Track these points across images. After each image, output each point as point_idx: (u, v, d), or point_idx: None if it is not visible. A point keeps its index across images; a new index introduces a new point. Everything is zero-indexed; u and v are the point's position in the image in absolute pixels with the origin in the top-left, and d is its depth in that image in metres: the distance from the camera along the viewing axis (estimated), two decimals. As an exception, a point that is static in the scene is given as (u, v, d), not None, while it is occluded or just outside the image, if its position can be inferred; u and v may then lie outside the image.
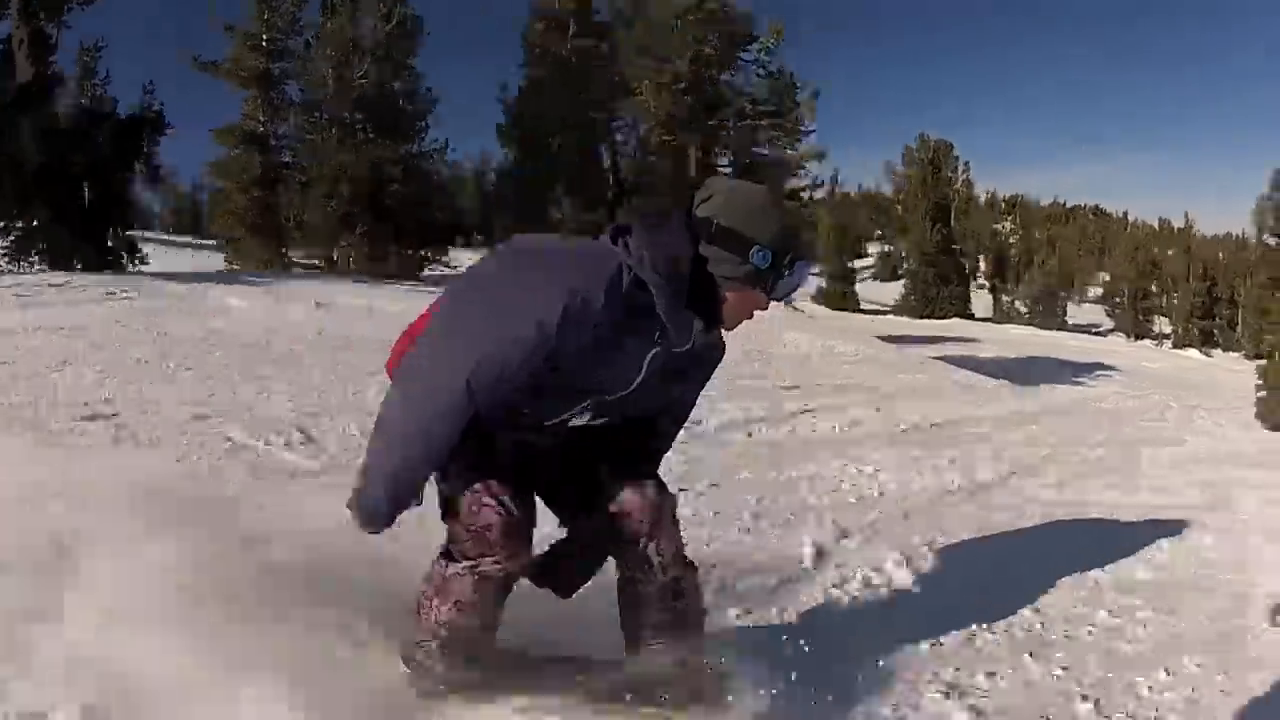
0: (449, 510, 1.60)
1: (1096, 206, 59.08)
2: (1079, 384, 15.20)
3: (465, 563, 1.59)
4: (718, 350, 1.77)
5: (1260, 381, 13.86)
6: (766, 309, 1.59)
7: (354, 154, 15.11)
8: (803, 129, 14.83)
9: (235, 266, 15.64)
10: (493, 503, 1.55)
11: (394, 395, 1.50)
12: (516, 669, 1.77)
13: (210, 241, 22.11)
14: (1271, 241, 14.73)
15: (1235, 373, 20.25)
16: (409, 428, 1.46)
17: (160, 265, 13.31)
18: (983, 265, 39.81)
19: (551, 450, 1.72)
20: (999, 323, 32.14)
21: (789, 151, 14.72)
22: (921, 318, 29.20)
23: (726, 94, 15.06)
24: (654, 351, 1.55)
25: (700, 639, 1.81)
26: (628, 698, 1.71)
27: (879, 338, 13.89)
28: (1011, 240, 44.31)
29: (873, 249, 44.03)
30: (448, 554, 1.63)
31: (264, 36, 16.06)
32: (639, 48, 14.73)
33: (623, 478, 1.71)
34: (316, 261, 16.00)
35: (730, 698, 1.75)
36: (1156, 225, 48.52)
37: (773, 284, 1.54)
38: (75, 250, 11.30)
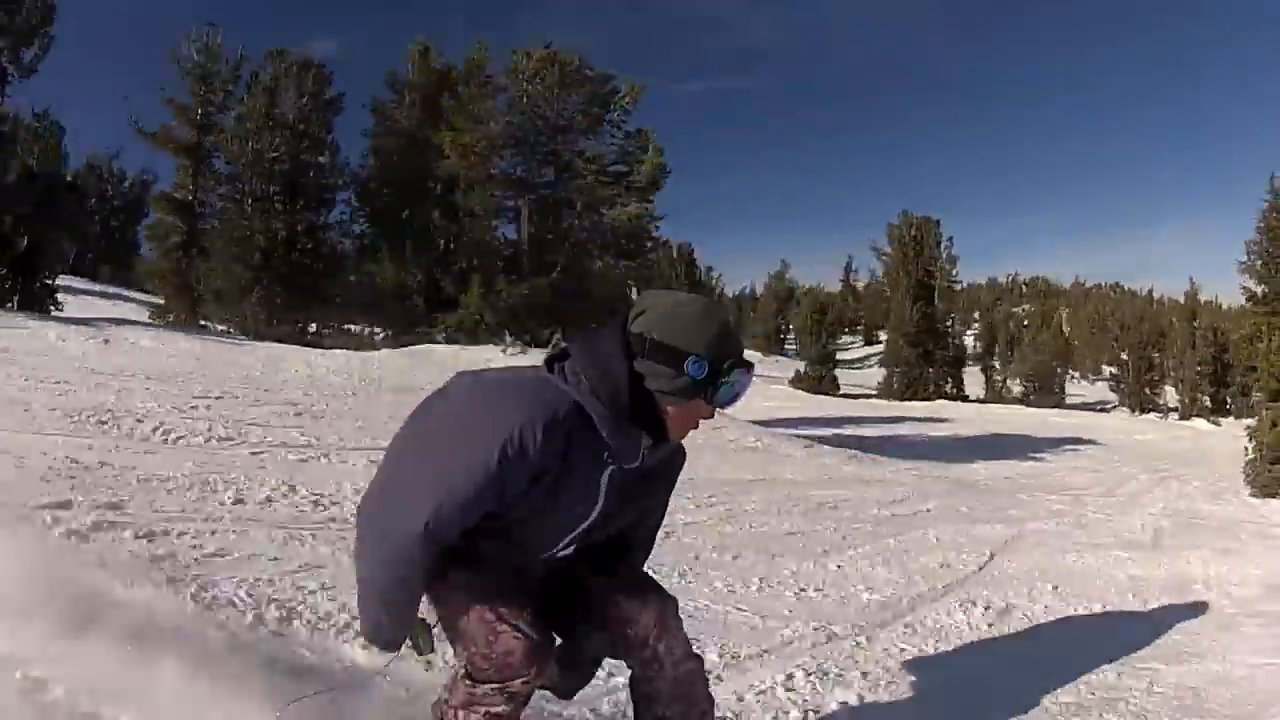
0: (459, 637, 1.66)
1: (1116, 284, 57.95)
2: (1036, 458, 14.11)
3: (491, 685, 1.62)
4: (677, 457, 1.79)
5: (1249, 445, 12.70)
6: (711, 417, 1.61)
7: (263, 222, 15.81)
8: (650, 188, 14.57)
9: (155, 321, 16.36)
10: (509, 629, 1.60)
11: (361, 547, 1.61)
12: None
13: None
14: (1255, 288, 13.61)
15: (1237, 438, 19.03)
16: (383, 576, 1.59)
17: (81, 311, 14.47)
18: (969, 344, 38.66)
19: (543, 576, 1.80)
20: (989, 402, 30.96)
21: (633, 209, 14.31)
22: (904, 399, 28.21)
23: (565, 155, 14.83)
24: (608, 471, 1.59)
25: None
26: None
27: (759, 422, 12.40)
28: (1012, 320, 43.42)
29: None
30: (470, 676, 1.64)
31: (197, 110, 17.20)
32: (455, 109, 14.74)
33: (622, 590, 1.80)
34: (227, 326, 16.48)
35: None
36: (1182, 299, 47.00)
37: (711, 394, 1.55)
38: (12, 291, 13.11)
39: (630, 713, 1.91)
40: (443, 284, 14.56)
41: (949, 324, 32.18)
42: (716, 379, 1.53)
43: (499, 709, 1.63)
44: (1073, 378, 39.24)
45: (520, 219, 14.75)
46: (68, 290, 15.91)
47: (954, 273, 31.78)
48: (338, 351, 11.68)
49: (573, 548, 1.70)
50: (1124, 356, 35.26)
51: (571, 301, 13.67)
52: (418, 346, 12.81)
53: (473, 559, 1.64)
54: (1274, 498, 11.13)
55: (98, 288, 25.46)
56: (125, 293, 25.81)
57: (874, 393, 30.18)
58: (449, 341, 13.43)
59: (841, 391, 30.15)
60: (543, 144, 14.78)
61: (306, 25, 59.11)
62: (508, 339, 13.31)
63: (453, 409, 1.56)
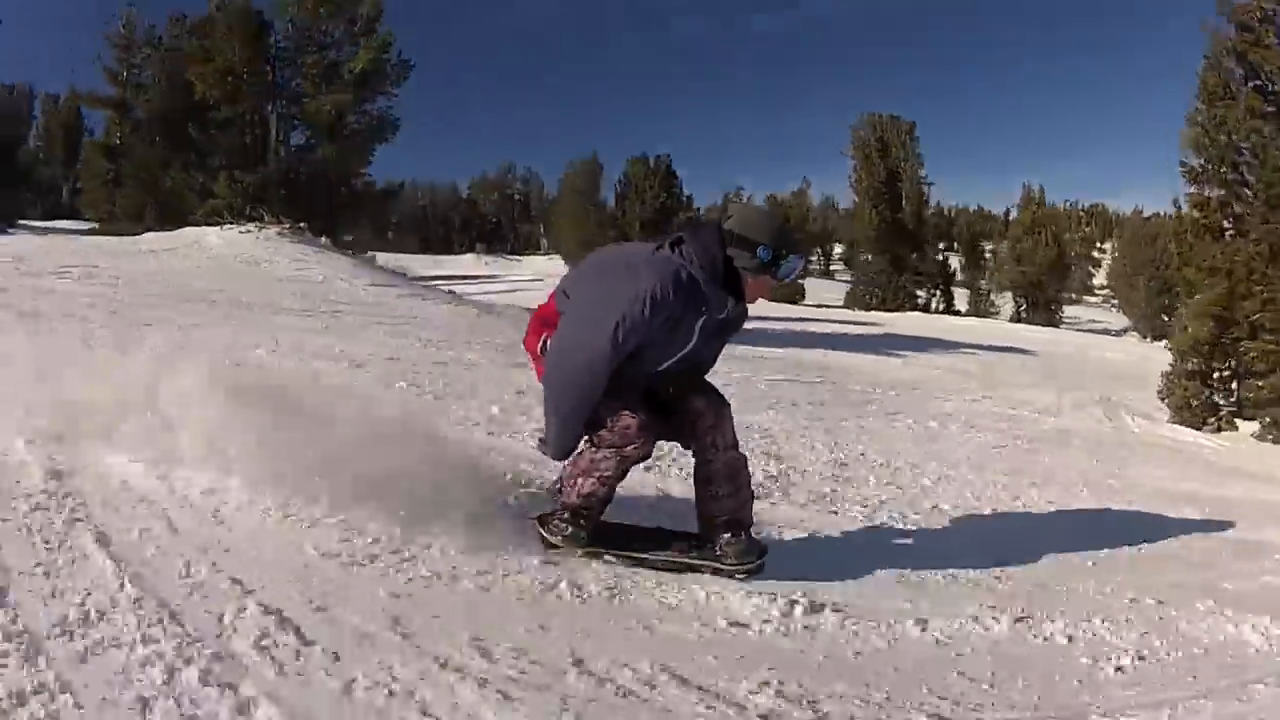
0: (595, 423, 2.49)
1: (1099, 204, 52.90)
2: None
3: (611, 449, 2.49)
4: (743, 317, 2.66)
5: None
6: (775, 287, 2.66)
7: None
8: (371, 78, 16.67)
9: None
10: (628, 412, 2.46)
11: (559, 359, 2.44)
12: (618, 536, 2.70)
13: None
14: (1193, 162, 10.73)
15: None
16: (580, 376, 2.40)
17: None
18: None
19: (654, 386, 2.63)
20: (965, 318, 28.58)
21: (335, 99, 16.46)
22: (872, 310, 26.22)
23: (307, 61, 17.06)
24: (702, 320, 2.48)
25: (749, 515, 2.69)
26: (692, 554, 2.63)
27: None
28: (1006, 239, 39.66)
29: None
30: (595, 446, 2.51)
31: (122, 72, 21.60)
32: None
33: (691, 393, 2.65)
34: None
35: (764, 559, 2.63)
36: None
37: (775, 270, 2.51)
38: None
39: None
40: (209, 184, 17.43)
41: (923, 232, 29.23)
42: (778, 260, 2.50)
43: (609, 472, 2.50)
44: (1070, 299, 36.05)
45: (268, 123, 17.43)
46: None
47: (923, 175, 28.77)
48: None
49: (670, 365, 2.58)
50: (1127, 270, 32.00)
51: (308, 185, 16.72)
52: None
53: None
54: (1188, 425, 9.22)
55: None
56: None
57: (839, 304, 28.20)
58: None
59: (806, 302, 28.22)
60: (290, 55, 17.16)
61: None
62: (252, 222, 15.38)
63: (616, 268, 2.48)
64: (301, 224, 14.90)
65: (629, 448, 2.47)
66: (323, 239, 14.91)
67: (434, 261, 31.73)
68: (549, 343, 2.50)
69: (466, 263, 35.97)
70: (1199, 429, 9.18)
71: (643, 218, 24.84)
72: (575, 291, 2.54)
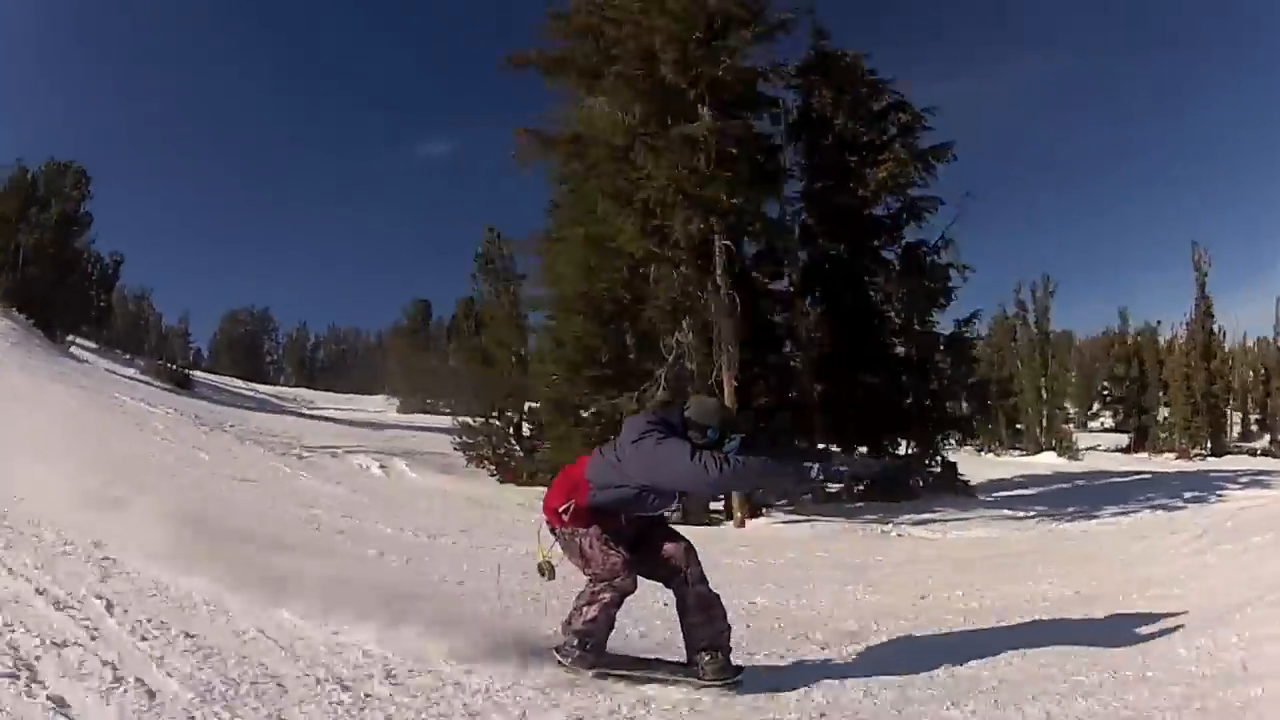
0: (587, 562, 3.38)
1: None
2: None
3: (604, 583, 3.33)
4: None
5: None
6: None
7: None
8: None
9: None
10: (614, 551, 3.35)
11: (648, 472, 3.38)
12: (622, 663, 3.44)
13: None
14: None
15: None
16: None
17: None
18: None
19: (631, 534, 3.46)
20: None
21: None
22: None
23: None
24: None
25: (726, 640, 3.40)
26: (679, 674, 3.39)
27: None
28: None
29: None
30: (592, 582, 3.37)
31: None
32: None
33: (664, 537, 3.52)
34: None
35: (740, 676, 3.37)
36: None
37: (724, 448, 3.35)
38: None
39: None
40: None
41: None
42: (723, 440, 3.36)
43: (606, 599, 3.30)
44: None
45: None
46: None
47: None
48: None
49: (653, 513, 3.47)
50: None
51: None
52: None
53: (600, 519, 3.38)
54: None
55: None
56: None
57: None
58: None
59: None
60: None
61: (418, 128, 64.35)
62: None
63: (657, 435, 3.37)
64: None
65: (617, 580, 3.30)
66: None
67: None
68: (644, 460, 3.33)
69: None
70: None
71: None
72: (636, 447, 3.34)
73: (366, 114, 56.15)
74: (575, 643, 3.33)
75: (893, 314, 13.67)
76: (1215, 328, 28.91)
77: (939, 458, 13.65)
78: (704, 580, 3.41)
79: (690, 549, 3.45)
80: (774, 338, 13.11)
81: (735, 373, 10.96)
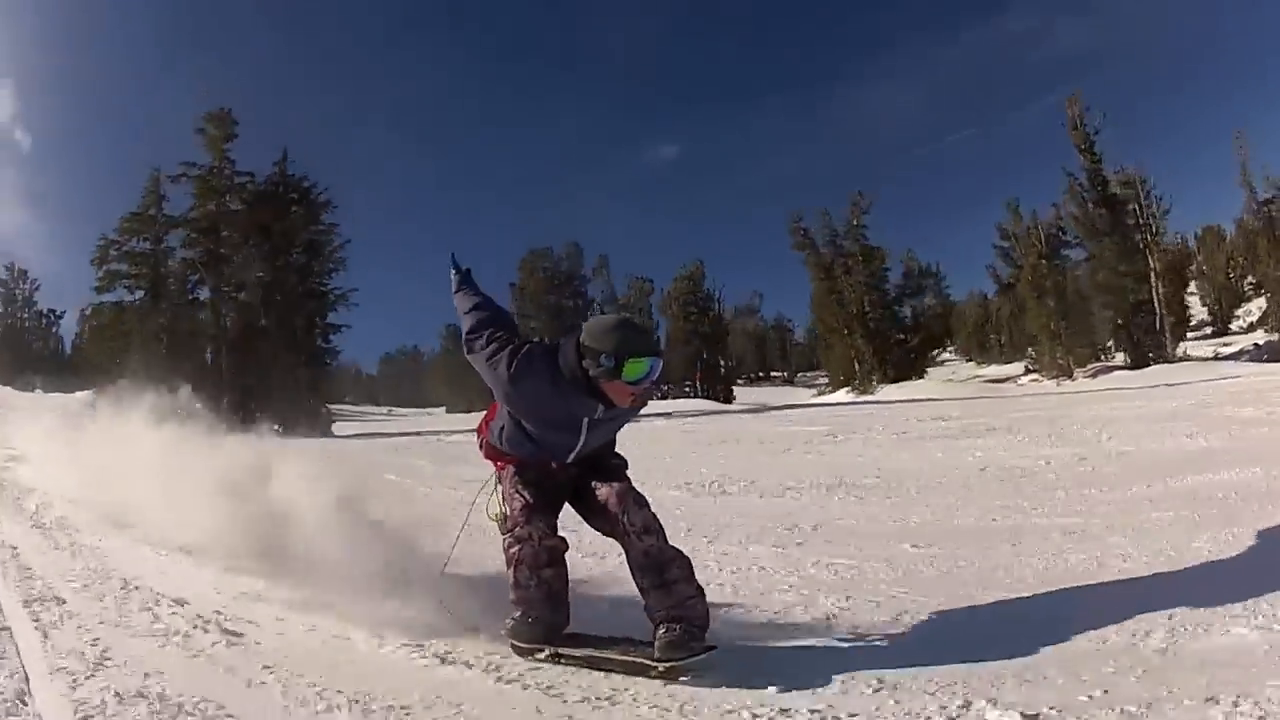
0: (506, 501, 2.88)
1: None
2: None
3: (507, 534, 2.79)
4: (631, 412, 2.82)
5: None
6: (634, 393, 2.67)
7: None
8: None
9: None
10: (519, 495, 2.82)
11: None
12: (577, 642, 2.77)
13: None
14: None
15: None
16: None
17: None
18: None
19: (566, 478, 2.90)
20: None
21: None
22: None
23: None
24: (585, 420, 2.75)
25: (694, 611, 2.65)
26: (633, 652, 2.63)
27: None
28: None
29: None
30: (507, 546, 2.81)
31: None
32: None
33: (597, 479, 2.85)
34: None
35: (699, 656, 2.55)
36: None
37: (620, 376, 2.61)
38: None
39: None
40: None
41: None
42: (620, 366, 2.58)
43: (515, 552, 2.75)
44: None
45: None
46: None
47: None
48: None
49: (572, 456, 2.84)
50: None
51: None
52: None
53: (520, 465, 2.87)
54: None
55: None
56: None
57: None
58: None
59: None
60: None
61: (649, 131, 61.71)
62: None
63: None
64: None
65: (516, 529, 2.74)
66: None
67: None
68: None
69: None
70: None
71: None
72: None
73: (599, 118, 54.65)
74: (516, 614, 2.75)
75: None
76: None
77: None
78: (653, 531, 2.70)
79: (630, 491, 2.77)
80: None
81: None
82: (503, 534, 2.80)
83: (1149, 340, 26.42)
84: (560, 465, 2.84)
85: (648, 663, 2.54)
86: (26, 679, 2.65)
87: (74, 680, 2.62)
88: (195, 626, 3.16)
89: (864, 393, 27.57)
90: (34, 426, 9.32)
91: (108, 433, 7.38)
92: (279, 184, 24.18)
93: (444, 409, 32.55)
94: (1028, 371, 29.42)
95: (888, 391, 25.55)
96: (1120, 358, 27.36)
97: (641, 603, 2.75)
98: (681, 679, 2.51)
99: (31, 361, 28.56)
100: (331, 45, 54.19)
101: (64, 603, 3.52)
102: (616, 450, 3.02)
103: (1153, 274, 26.62)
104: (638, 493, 2.79)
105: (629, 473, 2.94)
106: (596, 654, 2.68)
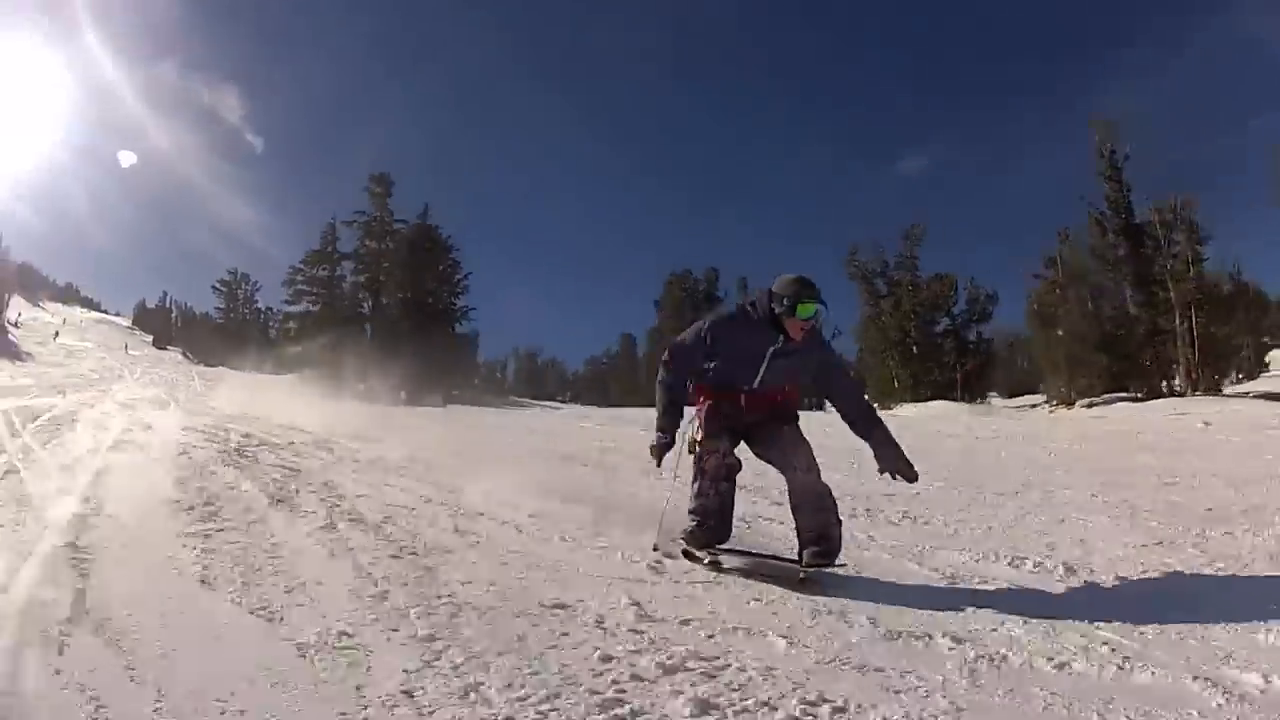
0: (700, 426, 3.52)
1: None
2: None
3: (701, 447, 3.47)
4: (814, 349, 3.55)
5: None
6: (804, 326, 3.41)
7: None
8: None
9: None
10: (710, 421, 3.48)
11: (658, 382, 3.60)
12: (736, 552, 3.49)
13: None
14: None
15: None
16: (660, 390, 3.56)
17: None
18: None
19: (751, 419, 3.55)
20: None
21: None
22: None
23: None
24: (769, 350, 3.45)
25: (833, 533, 3.33)
26: (777, 560, 3.42)
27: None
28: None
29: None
30: (697, 460, 3.49)
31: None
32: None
33: (781, 424, 3.54)
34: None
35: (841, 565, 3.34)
36: None
37: (793, 315, 3.37)
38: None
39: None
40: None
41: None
42: (794, 308, 3.34)
43: (702, 465, 3.46)
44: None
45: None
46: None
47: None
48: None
49: (756, 382, 3.48)
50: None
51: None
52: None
53: (715, 401, 3.51)
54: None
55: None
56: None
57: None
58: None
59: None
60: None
61: (896, 143, 69.11)
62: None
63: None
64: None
65: (708, 440, 3.45)
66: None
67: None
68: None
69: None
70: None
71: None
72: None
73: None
74: (693, 523, 3.48)
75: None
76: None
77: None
78: (813, 470, 3.40)
79: (800, 439, 3.49)
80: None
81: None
82: (693, 452, 3.48)
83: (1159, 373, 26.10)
84: (749, 399, 3.50)
85: (796, 567, 3.27)
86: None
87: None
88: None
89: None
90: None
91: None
92: (419, 228, 31.92)
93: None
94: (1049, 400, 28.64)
95: (902, 409, 26.20)
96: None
97: (771, 531, 3.96)
98: (815, 587, 3.16)
99: (247, 348, 37.40)
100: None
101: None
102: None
103: (1173, 305, 25.75)
104: (804, 437, 3.50)
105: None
106: (753, 559, 3.42)
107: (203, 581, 2.99)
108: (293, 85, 70.97)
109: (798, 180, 59.86)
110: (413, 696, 2.08)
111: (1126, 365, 26.37)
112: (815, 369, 3.56)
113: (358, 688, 2.12)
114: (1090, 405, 24.31)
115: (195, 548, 3.41)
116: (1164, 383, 25.89)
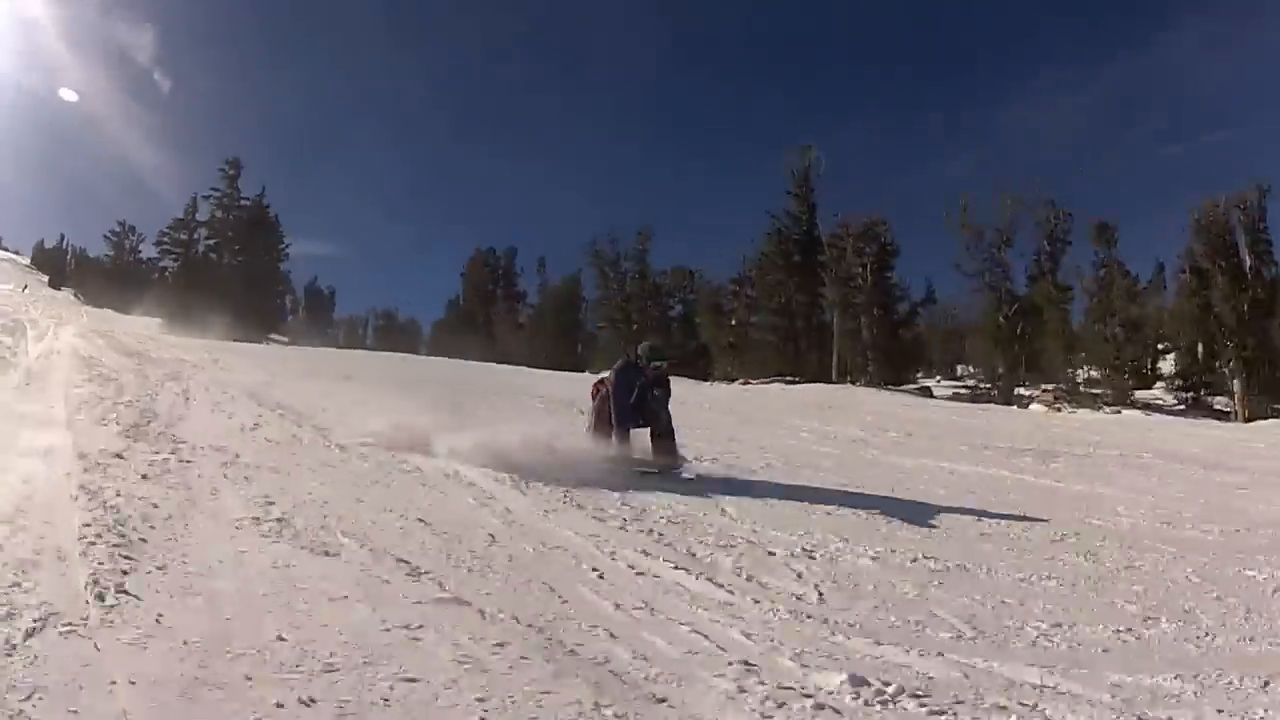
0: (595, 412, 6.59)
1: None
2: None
3: (596, 404, 6.61)
4: (666, 382, 6.67)
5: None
6: (656, 374, 6.57)
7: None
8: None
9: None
10: (617, 415, 6.39)
11: (604, 405, 6.45)
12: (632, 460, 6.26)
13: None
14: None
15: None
16: (618, 416, 6.38)
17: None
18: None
19: (642, 404, 6.46)
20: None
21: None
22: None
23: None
24: (639, 384, 6.45)
25: (677, 458, 6.36)
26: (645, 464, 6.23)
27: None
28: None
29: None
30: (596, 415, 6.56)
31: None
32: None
33: (659, 409, 6.48)
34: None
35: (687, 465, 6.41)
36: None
37: (646, 367, 6.53)
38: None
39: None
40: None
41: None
42: (649, 362, 6.54)
43: (596, 405, 6.56)
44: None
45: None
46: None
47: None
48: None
49: (633, 398, 6.35)
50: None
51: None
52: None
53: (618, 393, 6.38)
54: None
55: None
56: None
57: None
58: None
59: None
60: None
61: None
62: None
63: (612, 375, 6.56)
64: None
65: (596, 402, 6.50)
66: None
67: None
68: (598, 399, 6.46)
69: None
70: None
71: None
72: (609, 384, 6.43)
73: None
74: (590, 422, 6.55)
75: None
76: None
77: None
78: (669, 421, 6.35)
79: (663, 410, 6.38)
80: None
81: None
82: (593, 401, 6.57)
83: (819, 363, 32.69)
84: (636, 399, 6.24)
85: (656, 470, 5.98)
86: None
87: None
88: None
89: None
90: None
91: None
92: (256, 207, 40.80)
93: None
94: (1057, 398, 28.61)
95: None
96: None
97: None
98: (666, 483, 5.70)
99: (128, 293, 42.62)
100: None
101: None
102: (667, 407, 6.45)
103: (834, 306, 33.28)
104: (668, 412, 6.40)
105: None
106: (640, 463, 6.07)
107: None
108: (207, 26, 74.83)
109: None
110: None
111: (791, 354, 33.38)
112: (659, 391, 6.49)
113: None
114: (746, 384, 28.82)
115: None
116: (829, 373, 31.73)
